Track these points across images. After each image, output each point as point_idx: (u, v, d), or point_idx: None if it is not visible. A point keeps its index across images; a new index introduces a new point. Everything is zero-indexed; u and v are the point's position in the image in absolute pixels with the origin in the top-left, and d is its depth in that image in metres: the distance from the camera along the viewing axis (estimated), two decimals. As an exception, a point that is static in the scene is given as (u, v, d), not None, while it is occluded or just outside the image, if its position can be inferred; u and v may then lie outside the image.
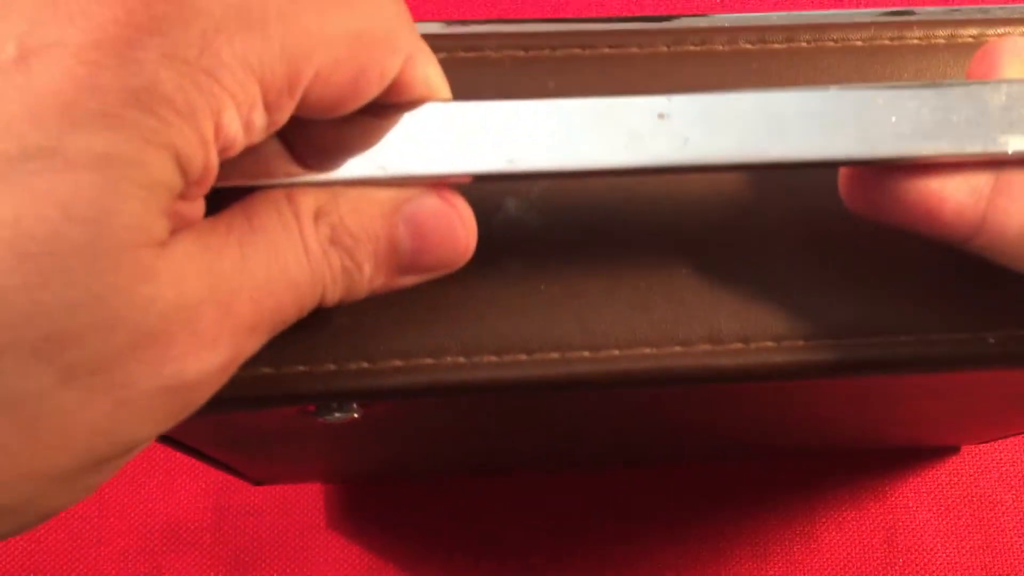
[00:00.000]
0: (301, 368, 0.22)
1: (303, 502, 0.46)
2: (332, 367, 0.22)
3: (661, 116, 0.20)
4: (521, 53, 0.24)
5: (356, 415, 0.23)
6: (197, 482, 0.46)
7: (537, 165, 0.20)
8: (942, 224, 0.20)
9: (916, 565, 0.46)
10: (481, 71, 0.24)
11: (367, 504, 0.46)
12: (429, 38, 0.24)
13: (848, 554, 0.47)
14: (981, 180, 0.20)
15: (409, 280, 0.21)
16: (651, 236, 0.23)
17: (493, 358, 0.22)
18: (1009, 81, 0.20)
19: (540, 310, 0.23)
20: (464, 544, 0.46)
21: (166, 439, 0.28)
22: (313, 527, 0.46)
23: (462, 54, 0.24)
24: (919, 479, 0.48)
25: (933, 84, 0.20)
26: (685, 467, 0.47)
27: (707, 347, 0.23)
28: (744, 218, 0.23)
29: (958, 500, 0.47)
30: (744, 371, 0.23)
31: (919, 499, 0.47)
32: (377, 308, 0.22)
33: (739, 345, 0.23)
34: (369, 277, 0.20)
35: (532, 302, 0.23)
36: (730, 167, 0.20)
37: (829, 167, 0.20)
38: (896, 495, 0.47)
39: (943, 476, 0.48)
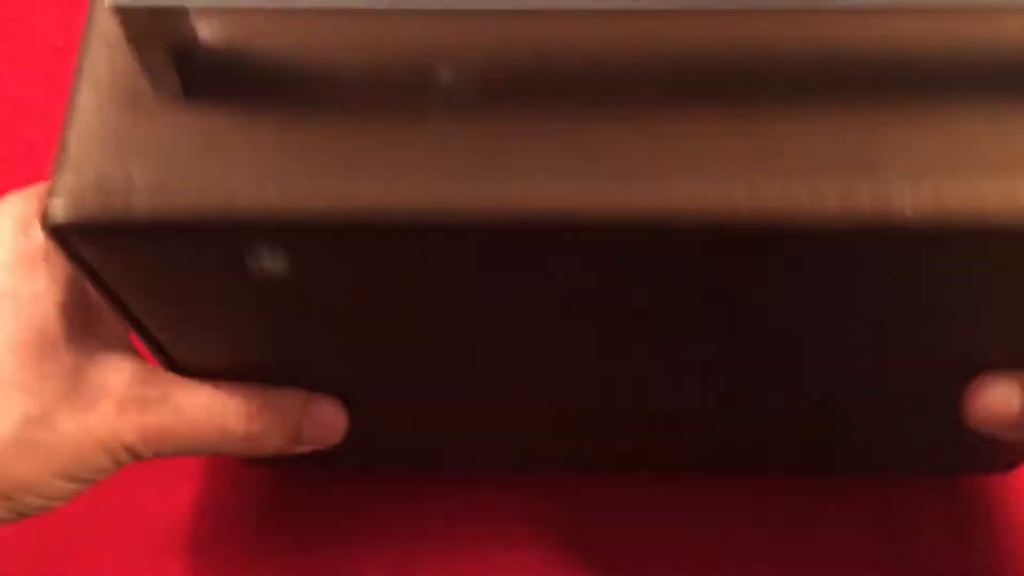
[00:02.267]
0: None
1: (303, 504, 0.46)
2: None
3: None
4: None
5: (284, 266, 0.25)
6: (196, 484, 0.46)
7: None
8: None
9: (920, 568, 0.45)
10: None
11: (368, 505, 0.46)
12: None
13: (851, 556, 0.46)
14: None
15: (297, 450, 0.33)
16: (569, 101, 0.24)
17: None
18: None
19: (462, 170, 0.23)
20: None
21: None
22: (314, 529, 0.45)
23: None
24: (924, 480, 0.47)
25: None
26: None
27: None
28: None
29: (964, 502, 0.47)
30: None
31: (924, 501, 0.47)
32: (303, 154, 0.23)
33: None
34: (276, 447, 0.32)
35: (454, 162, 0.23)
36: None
37: None
38: (900, 497, 0.47)
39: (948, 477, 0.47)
